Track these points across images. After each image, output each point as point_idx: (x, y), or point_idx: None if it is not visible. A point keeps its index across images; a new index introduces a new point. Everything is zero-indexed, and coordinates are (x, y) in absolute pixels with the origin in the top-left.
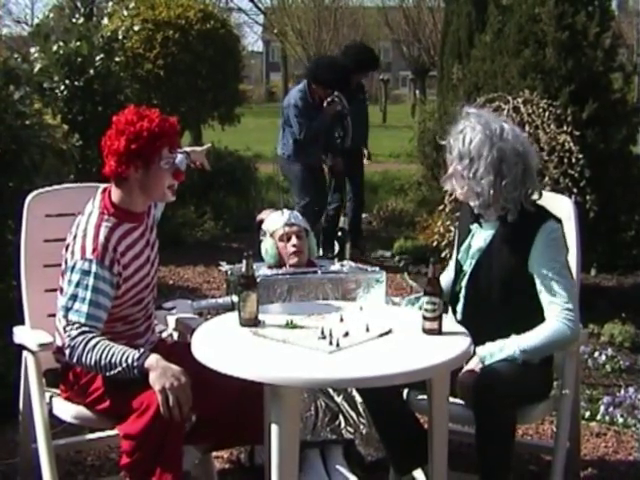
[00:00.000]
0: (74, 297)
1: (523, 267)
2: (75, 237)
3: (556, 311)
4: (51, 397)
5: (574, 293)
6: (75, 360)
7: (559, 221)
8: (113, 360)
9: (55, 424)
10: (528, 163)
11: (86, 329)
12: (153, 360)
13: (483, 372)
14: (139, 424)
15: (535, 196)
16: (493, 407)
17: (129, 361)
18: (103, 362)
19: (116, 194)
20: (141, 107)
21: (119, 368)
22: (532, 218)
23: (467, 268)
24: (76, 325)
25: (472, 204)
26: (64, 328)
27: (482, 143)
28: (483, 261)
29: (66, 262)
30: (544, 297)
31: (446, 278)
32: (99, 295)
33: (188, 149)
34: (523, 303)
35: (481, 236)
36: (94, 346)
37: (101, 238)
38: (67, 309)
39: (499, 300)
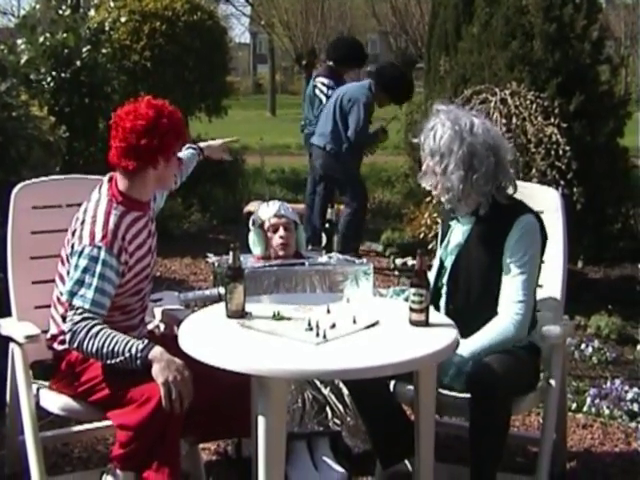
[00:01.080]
0: (80, 282)
1: (500, 261)
2: (83, 222)
3: (507, 304)
4: (38, 389)
5: (531, 288)
6: (76, 345)
7: (537, 216)
8: (116, 349)
9: (42, 416)
10: (500, 156)
11: (89, 315)
12: (157, 352)
13: (477, 366)
14: (138, 415)
15: (510, 190)
16: (488, 400)
17: (132, 351)
18: (105, 350)
19: (124, 183)
20: (152, 99)
21: (121, 357)
22: (508, 212)
23: (448, 264)
24: (80, 310)
25: (443, 199)
26: (63, 314)
27: (452, 139)
28: (462, 257)
29: (72, 247)
30: (503, 289)
31: (431, 275)
32: (105, 282)
33: (203, 144)
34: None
35: (459, 232)
36: (97, 333)
37: (111, 225)
38: (72, 294)
39: (479, 295)
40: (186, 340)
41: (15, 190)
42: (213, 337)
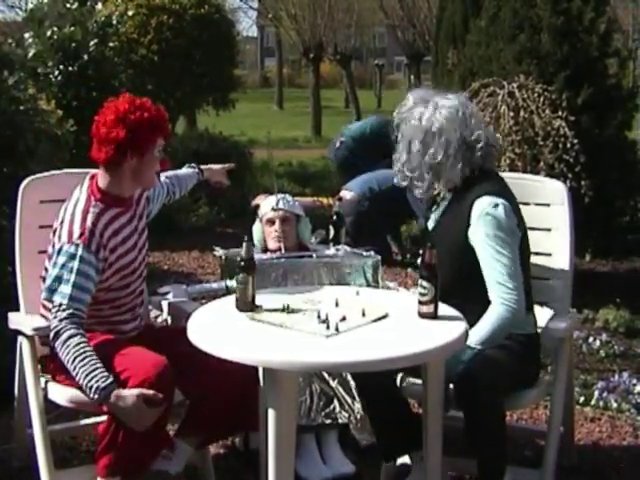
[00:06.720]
0: (59, 279)
1: (467, 249)
2: (62, 222)
3: (496, 292)
4: (46, 382)
5: (514, 269)
6: (54, 345)
7: (501, 196)
8: (80, 372)
9: (50, 409)
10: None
11: (73, 312)
12: (113, 399)
13: (463, 365)
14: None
15: (466, 171)
16: (477, 399)
17: (92, 385)
18: (70, 365)
19: (104, 180)
20: (132, 96)
21: (81, 382)
22: (468, 196)
23: None
24: (63, 307)
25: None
26: (50, 310)
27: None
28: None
29: (53, 246)
30: (485, 276)
31: None
32: (83, 278)
33: (204, 167)
34: (477, 285)
35: (432, 219)
36: (74, 345)
37: (88, 223)
38: (51, 291)
39: (452, 283)
40: (196, 332)
41: (23, 184)
42: (223, 330)
